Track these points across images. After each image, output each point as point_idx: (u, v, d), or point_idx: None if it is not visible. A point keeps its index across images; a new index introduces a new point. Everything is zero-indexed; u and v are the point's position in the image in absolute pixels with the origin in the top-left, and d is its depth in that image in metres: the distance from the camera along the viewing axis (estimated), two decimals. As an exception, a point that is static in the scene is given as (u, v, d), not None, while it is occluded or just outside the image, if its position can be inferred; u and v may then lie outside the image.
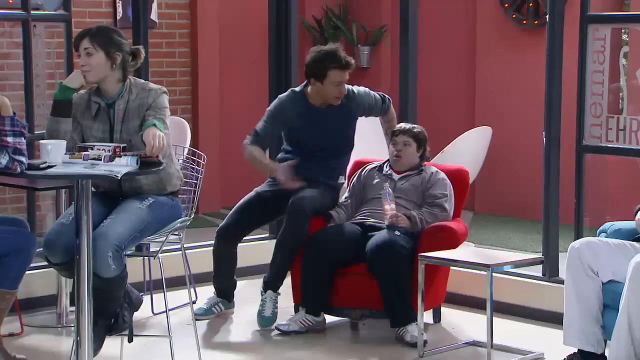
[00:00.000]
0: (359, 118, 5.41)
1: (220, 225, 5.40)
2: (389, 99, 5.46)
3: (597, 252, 4.24)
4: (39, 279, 5.37)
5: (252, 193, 5.38)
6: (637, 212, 4.31)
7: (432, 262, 4.72)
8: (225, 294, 5.42)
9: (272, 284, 5.19)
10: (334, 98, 5.20)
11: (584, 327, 4.25)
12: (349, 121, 5.35)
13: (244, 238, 5.42)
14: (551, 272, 5.34)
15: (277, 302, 5.19)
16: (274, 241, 5.28)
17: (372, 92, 5.43)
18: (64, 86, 4.30)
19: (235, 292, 5.48)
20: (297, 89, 5.33)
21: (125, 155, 4.03)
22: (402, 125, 5.35)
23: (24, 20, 5.55)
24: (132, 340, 4.38)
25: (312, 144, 5.29)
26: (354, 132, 5.42)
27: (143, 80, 4.53)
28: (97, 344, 4.20)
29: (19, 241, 4.20)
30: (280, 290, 5.24)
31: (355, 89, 5.34)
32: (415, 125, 5.33)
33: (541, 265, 5.30)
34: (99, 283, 4.12)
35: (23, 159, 3.96)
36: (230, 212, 5.37)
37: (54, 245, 4.22)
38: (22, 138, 4.01)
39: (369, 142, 7.09)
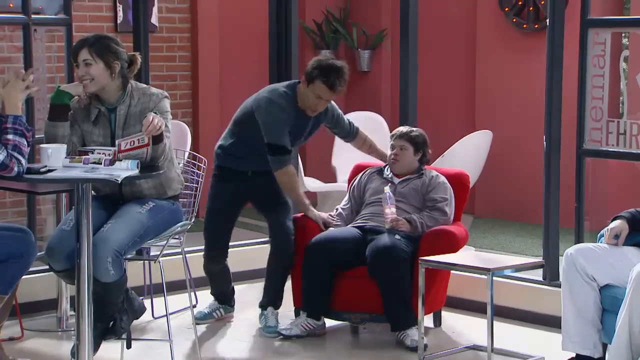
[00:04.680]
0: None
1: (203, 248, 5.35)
2: (357, 127, 5.43)
3: (592, 258, 4.25)
4: (39, 282, 5.37)
5: (211, 213, 5.25)
6: (612, 221, 4.33)
7: (432, 266, 4.72)
8: (225, 299, 5.43)
9: (272, 302, 5.21)
10: (309, 109, 5.09)
11: (581, 331, 4.26)
12: (317, 128, 5.30)
13: (238, 242, 5.45)
14: (551, 276, 5.34)
15: (278, 315, 5.21)
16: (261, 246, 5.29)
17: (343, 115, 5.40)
18: (61, 90, 4.31)
19: (236, 296, 5.49)
20: (289, 87, 5.14)
21: (123, 140, 4.05)
22: (401, 128, 5.35)
23: (24, 24, 5.55)
24: (130, 347, 4.37)
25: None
26: None
27: (144, 85, 4.53)
28: (94, 348, 4.20)
29: (19, 248, 4.19)
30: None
31: (333, 105, 5.29)
32: (414, 129, 5.32)
33: (541, 269, 5.30)
34: (98, 287, 4.12)
35: (22, 158, 3.95)
36: (204, 235, 5.30)
37: (56, 252, 4.21)
38: (24, 139, 4.01)
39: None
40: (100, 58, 4.30)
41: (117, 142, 4.12)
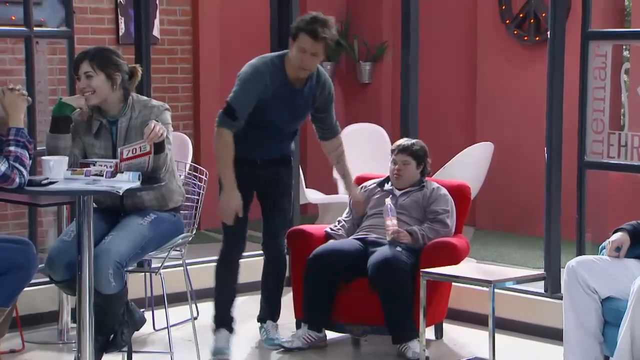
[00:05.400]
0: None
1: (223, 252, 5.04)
2: (340, 130, 5.16)
3: (594, 270, 4.25)
4: (40, 295, 5.36)
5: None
6: (613, 233, 4.32)
7: (433, 278, 4.72)
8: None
9: (270, 316, 5.19)
10: (298, 67, 4.75)
11: (583, 344, 4.25)
12: (310, 105, 4.95)
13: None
14: (553, 288, 5.34)
15: (277, 328, 5.20)
16: (254, 259, 5.25)
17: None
18: (63, 103, 4.32)
19: (235, 307, 5.47)
20: (279, 55, 4.88)
21: (125, 147, 4.05)
22: (402, 142, 5.32)
23: (26, 36, 5.56)
24: (131, 359, 4.37)
25: (273, 123, 4.87)
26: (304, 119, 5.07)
27: (145, 97, 4.54)
28: (95, 360, 4.20)
29: (20, 260, 4.19)
30: (282, 306, 5.23)
31: (327, 77, 5.00)
32: (414, 142, 5.30)
33: (543, 282, 5.29)
34: (99, 299, 4.12)
35: (23, 170, 3.95)
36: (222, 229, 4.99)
37: (56, 262, 4.22)
38: (26, 151, 4.02)
39: (369, 156, 7.12)
40: (101, 70, 4.31)
41: (119, 149, 4.13)
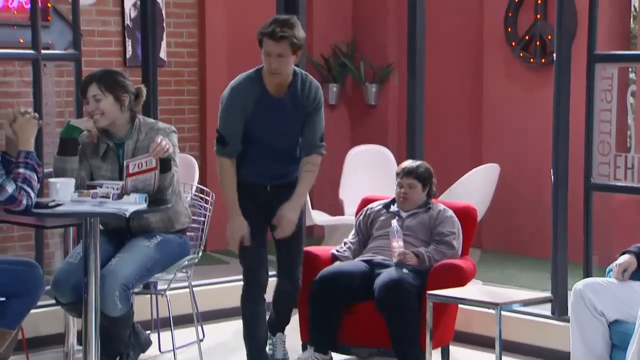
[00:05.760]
0: None
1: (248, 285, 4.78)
2: (319, 151, 4.77)
3: (601, 293, 4.23)
4: (46, 317, 5.35)
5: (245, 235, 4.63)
6: (620, 255, 4.32)
7: (440, 300, 4.70)
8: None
9: (279, 327, 5.16)
10: (268, 73, 4.60)
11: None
12: (300, 114, 4.69)
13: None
14: (560, 310, 5.32)
15: (285, 343, 5.17)
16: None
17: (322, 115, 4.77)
18: (71, 125, 4.34)
19: (239, 329, 5.44)
20: (255, 69, 4.73)
21: (131, 161, 4.06)
22: (407, 164, 5.30)
23: (34, 59, 5.59)
24: (138, 381, 4.37)
25: (262, 141, 4.68)
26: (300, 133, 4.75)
27: (152, 120, 4.56)
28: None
29: (27, 282, 4.20)
30: (288, 327, 5.22)
31: (315, 84, 4.74)
32: (420, 164, 5.29)
33: (550, 304, 5.27)
34: (105, 322, 4.11)
35: (31, 191, 3.97)
36: (245, 264, 4.73)
37: (62, 285, 4.22)
38: (35, 174, 4.03)
39: (375, 177, 7.13)
40: (109, 92, 4.33)
41: (124, 162, 4.14)
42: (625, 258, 4.29)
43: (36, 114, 4.16)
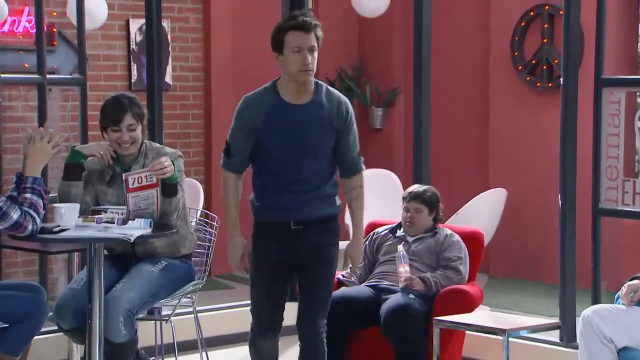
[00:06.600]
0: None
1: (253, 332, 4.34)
2: (362, 168, 4.36)
3: (609, 319, 4.20)
4: (49, 343, 5.32)
5: (254, 281, 4.25)
6: (631, 280, 4.28)
7: (447, 326, 4.67)
8: None
9: None
10: (298, 72, 4.13)
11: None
12: (328, 132, 4.18)
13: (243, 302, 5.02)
14: (568, 337, 5.27)
15: None
16: (294, 303, 4.90)
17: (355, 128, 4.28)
18: (75, 150, 4.33)
19: (245, 356, 5.38)
20: (271, 81, 4.28)
21: (131, 175, 4.03)
22: (413, 189, 5.28)
23: (39, 84, 5.59)
24: (140, 409, 4.32)
25: (287, 162, 4.17)
26: (331, 150, 4.22)
27: (159, 145, 4.55)
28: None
29: (31, 308, 4.17)
30: (292, 351, 5.16)
31: (341, 96, 4.32)
32: (426, 188, 5.27)
33: (558, 330, 5.23)
34: (109, 348, 4.08)
35: (37, 217, 3.96)
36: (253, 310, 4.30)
37: (64, 311, 4.19)
38: (41, 200, 4.04)
39: (381, 202, 7.09)
40: (140, 120, 4.36)
41: (124, 175, 4.12)
42: (635, 282, 4.25)
43: (58, 141, 4.15)
